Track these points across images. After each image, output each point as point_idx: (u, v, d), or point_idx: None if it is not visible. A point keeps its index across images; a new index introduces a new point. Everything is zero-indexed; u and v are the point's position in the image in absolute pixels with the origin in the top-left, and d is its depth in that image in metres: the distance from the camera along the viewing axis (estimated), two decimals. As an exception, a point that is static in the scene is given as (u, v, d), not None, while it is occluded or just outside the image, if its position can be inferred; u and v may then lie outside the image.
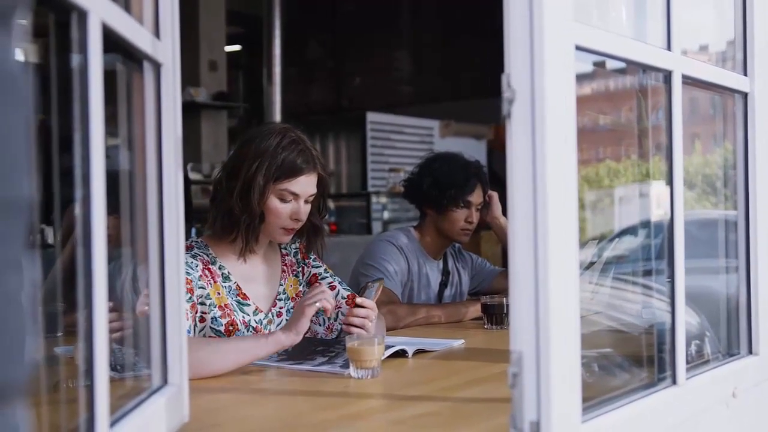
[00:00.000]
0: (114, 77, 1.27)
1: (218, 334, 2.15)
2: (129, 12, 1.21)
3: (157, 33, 1.34)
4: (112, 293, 1.08)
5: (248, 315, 2.21)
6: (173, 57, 1.38)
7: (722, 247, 1.98)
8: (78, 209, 1.01)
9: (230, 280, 2.21)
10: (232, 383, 1.85)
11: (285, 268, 2.36)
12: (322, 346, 2.12)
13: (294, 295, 2.35)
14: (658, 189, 1.86)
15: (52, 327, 1.44)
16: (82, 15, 0.99)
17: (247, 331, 2.19)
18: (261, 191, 2.14)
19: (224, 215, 2.18)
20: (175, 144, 1.37)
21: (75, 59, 1.01)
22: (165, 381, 1.36)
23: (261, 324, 2.23)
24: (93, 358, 1.00)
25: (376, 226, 7.27)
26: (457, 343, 2.34)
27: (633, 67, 1.59)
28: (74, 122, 1.01)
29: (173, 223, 1.37)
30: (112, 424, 1.08)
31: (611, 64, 1.53)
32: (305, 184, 2.19)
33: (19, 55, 0.61)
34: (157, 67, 1.34)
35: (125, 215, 1.35)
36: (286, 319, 2.28)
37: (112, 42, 1.10)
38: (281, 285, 2.33)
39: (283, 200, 2.17)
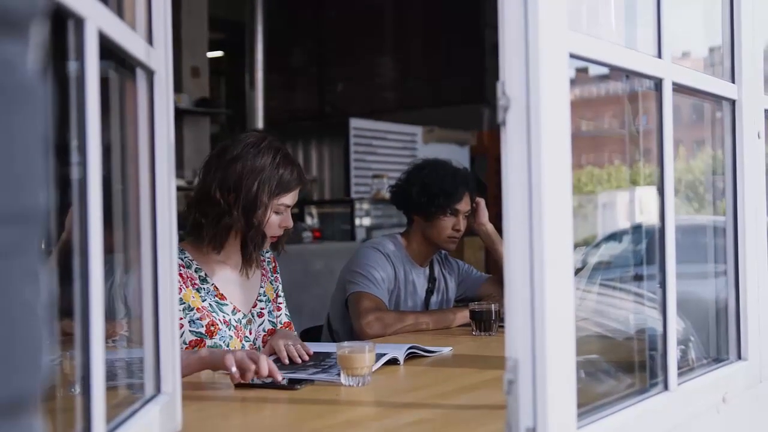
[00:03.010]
0: (106, 84, 1.27)
1: (199, 336, 2.20)
2: (122, 19, 1.20)
3: (150, 40, 1.33)
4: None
5: (227, 314, 2.27)
6: (166, 64, 1.37)
7: (706, 252, 1.99)
8: (74, 216, 1.00)
9: (208, 282, 2.27)
10: (224, 392, 1.84)
11: (264, 272, 2.45)
12: (314, 360, 2.12)
13: (272, 299, 2.44)
14: (641, 195, 1.88)
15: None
16: (79, 22, 0.98)
17: (228, 329, 2.25)
18: (265, 209, 2.24)
19: (224, 231, 2.24)
20: (168, 151, 1.37)
21: (71, 66, 1.00)
22: (158, 390, 1.35)
23: (241, 323, 2.30)
24: (89, 368, 0.99)
25: (360, 233, 7.25)
26: (446, 350, 2.34)
27: (615, 73, 1.60)
28: (70, 129, 1.01)
29: (166, 230, 1.36)
30: (108, 433, 1.07)
31: (593, 70, 1.54)
32: (295, 195, 2.32)
33: (36, 65, 0.61)
34: (150, 74, 1.33)
35: (117, 222, 1.34)
36: (268, 320, 2.39)
37: (106, 49, 1.10)
38: (261, 287, 2.42)
39: (277, 213, 2.29)
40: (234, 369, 1.80)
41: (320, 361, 2.11)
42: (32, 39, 0.60)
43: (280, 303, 2.50)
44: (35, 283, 0.58)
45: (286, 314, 2.50)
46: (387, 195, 3.26)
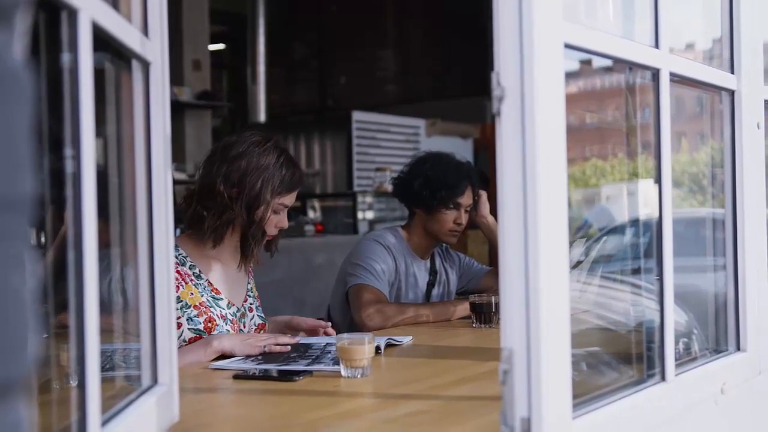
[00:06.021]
0: (102, 76, 1.27)
1: (198, 333, 2.23)
2: (117, 10, 1.20)
3: (145, 31, 1.33)
4: (100, 294, 1.07)
5: (223, 309, 2.30)
6: (162, 56, 1.37)
7: (709, 245, 1.99)
8: (68, 210, 1.00)
9: (202, 278, 2.30)
10: (221, 384, 1.85)
11: (250, 270, 2.49)
12: (295, 353, 2.12)
13: (257, 296, 2.50)
14: (644, 187, 1.87)
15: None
16: (72, 13, 0.98)
17: (225, 324, 2.28)
18: (267, 207, 2.27)
19: (225, 225, 2.27)
20: (164, 143, 1.37)
21: (65, 58, 1.00)
22: (155, 380, 1.36)
23: (235, 317, 2.34)
24: (84, 359, 1.00)
25: (363, 226, 7.26)
26: (406, 340, 2.36)
27: (619, 65, 1.59)
28: (64, 121, 1.01)
29: (162, 223, 1.36)
30: (104, 423, 1.07)
31: (597, 62, 1.54)
32: (294, 197, 2.37)
33: (21, 54, 0.61)
34: (146, 66, 1.33)
35: (113, 215, 1.34)
36: (258, 315, 2.44)
37: (101, 40, 1.10)
38: (249, 283, 2.46)
39: (276, 212, 2.32)
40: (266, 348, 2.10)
41: (303, 352, 2.12)
42: (17, 28, 0.60)
43: (257, 304, 2.53)
44: (22, 270, 0.59)
45: (260, 315, 2.51)
46: (390, 188, 3.26)
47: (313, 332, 2.43)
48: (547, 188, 1.16)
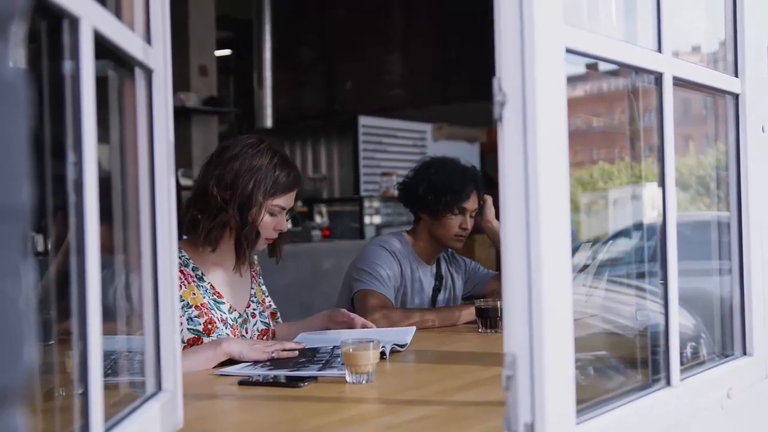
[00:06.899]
0: (105, 83, 1.27)
1: (197, 333, 2.23)
2: (120, 18, 1.21)
3: (148, 39, 1.34)
4: (105, 301, 1.07)
5: (224, 313, 2.30)
6: (165, 63, 1.38)
7: (716, 248, 1.98)
8: (71, 216, 1.00)
9: (205, 281, 2.30)
10: (226, 390, 1.85)
11: (254, 274, 2.49)
12: (304, 358, 2.12)
13: (261, 300, 2.48)
14: (651, 191, 1.87)
15: (44, 335, 1.43)
16: (74, 21, 0.99)
17: (225, 328, 2.28)
18: (259, 208, 2.26)
19: (219, 227, 2.27)
20: (167, 150, 1.37)
21: (66, 65, 1.01)
22: (159, 387, 1.36)
23: (236, 322, 2.34)
24: (87, 366, 1.00)
25: (369, 231, 7.26)
26: (410, 334, 2.39)
27: (625, 69, 1.59)
28: (66, 129, 1.01)
29: (166, 229, 1.37)
30: (107, 430, 1.08)
31: (603, 66, 1.54)
32: (292, 199, 2.35)
33: (17, 62, 0.61)
34: (148, 73, 1.34)
35: (117, 222, 1.35)
36: (261, 321, 2.43)
37: (104, 48, 1.10)
38: (252, 288, 2.45)
39: (271, 214, 2.31)
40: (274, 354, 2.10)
41: (312, 357, 2.12)
42: (13, 37, 0.60)
43: (270, 302, 2.54)
44: (17, 278, 0.59)
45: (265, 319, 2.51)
46: (396, 192, 3.28)
47: (350, 325, 2.46)
48: (549, 193, 1.16)
